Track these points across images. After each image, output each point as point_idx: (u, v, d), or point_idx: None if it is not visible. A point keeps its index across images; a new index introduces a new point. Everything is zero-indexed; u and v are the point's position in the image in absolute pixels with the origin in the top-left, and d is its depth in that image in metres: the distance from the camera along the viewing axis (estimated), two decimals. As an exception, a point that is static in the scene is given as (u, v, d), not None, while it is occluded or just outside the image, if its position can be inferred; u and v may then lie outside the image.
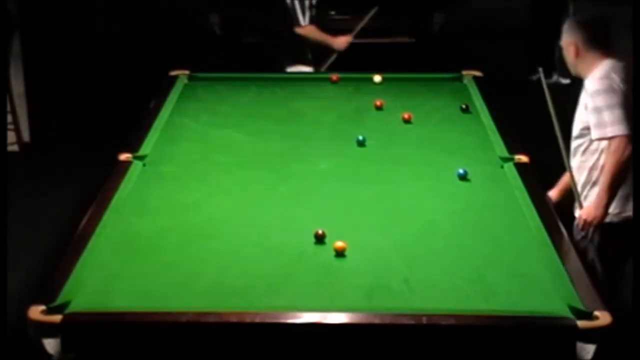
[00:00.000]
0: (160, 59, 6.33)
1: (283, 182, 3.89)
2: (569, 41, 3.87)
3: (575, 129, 3.91)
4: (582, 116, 3.84)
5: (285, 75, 5.38)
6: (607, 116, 3.68)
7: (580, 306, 2.83)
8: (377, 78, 5.24)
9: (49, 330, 2.75)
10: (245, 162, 4.12)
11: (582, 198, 3.86)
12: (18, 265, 4.23)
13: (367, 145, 4.29)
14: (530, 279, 3.06)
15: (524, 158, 4.09)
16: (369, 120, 4.67)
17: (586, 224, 3.81)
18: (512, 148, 4.21)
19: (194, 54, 6.83)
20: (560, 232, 3.39)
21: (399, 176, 3.96)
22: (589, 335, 2.73)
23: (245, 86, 5.20)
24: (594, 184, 3.85)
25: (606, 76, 3.76)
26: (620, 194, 3.78)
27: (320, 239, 3.27)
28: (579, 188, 3.87)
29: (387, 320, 2.79)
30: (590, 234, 3.83)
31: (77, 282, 2.98)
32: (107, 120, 6.77)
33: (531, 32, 8.12)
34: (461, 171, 3.89)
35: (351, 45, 5.91)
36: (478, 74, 5.20)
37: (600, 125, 3.70)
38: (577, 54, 3.84)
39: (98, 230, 3.35)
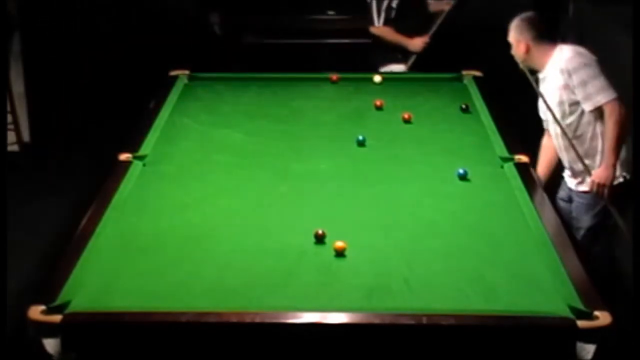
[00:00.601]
0: (160, 59, 6.31)
1: (283, 182, 3.89)
2: (518, 39, 4.15)
3: (559, 111, 4.12)
4: (563, 97, 4.08)
5: (285, 75, 5.38)
6: (593, 86, 3.97)
7: (580, 306, 2.84)
8: (377, 78, 5.24)
9: (49, 330, 2.76)
10: (245, 162, 4.12)
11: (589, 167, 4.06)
12: (18, 265, 4.23)
13: (367, 146, 4.29)
14: (530, 279, 3.06)
15: (524, 158, 4.10)
16: (369, 120, 4.67)
17: (600, 186, 3.98)
18: (512, 148, 4.21)
19: (194, 54, 6.81)
20: (561, 232, 3.39)
21: (399, 176, 3.97)
22: (589, 335, 2.73)
23: (246, 86, 5.20)
24: (598, 151, 4.07)
25: (577, 53, 4.07)
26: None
27: (320, 239, 3.28)
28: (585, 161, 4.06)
29: (387, 321, 2.79)
30: (605, 194, 4.00)
31: (77, 282, 2.98)
32: (107, 120, 6.76)
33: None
34: (461, 171, 3.89)
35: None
36: (478, 74, 5.20)
37: (589, 96, 3.98)
38: (527, 50, 4.13)
39: (98, 230, 3.35)
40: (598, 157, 4.10)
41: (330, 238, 3.26)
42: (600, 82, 3.98)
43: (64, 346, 2.76)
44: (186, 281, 3.03)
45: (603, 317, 2.77)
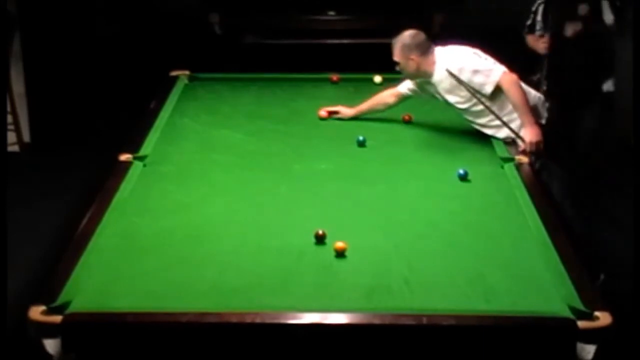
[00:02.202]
0: (160, 59, 6.32)
1: (283, 182, 3.89)
2: (407, 58, 4.29)
3: (463, 105, 4.34)
4: (460, 92, 4.29)
5: (286, 76, 5.39)
6: (483, 72, 4.23)
7: (581, 306, 2.83)
8: (378, 78, 5.24)
9: (49, 330, 2.75)
10: (245, 163, 4.12)
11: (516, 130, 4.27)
12: (18, 265, 4.23)
13: (368, 146, 4.29)
14: (530, 279, 3.06)
15: (524, 158, 4.10)
16: (369, 120, 4.67)
17: (536, 144, 4.18)
18: (513, 148, 4.22)
19: (194, 54, 6.81)
20: (561, 232, 3.39)
21: (400, 176, 3.97)
22: (589, 336, 2.73)
23: (246, 86, 5.20)
24: (510, 112, 4.29)
25: (456, 51, 4.33)
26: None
27: (320, 240, 3.28)
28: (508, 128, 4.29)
29: (387, 321, 2.79)
30: (541, 148, 4.21)
31: (78, 282, 2.98)
32: (107, 120, 6.76)
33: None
34: (461, 171, 3.89)
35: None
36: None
37: (484, 81, 4.23)
38: (418, 66, 4.31)
39: (98, 230, 3.35)
40: (504, 129, 4.29)
41: (330, 238, 3.26)
42: (486, 64, 4.27)
43: (64, 347, 2.76)
44: (186, 281, 3.03)
45: (603, 318, 2.77)
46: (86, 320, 2.81)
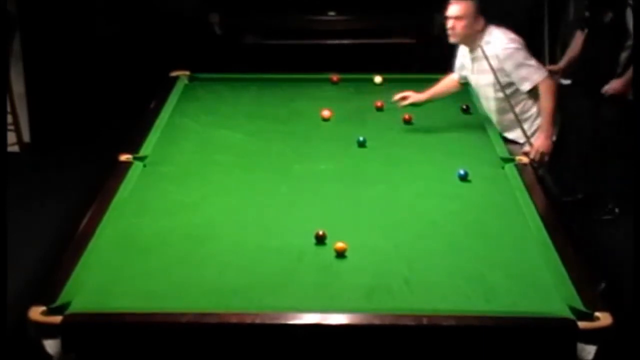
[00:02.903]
0: (160, 59, 6.32)
1: (283, 182, 3.89)
2: (461, 16, 4.24)
3: (491, 90, 4.37)
4: (495, 79, 4.26)
5: (286, 76, 5.39)
6: (528, 68, 4.24)
7: (581, 307, 2.83)
8: (378, 79, 5.24)
9: (49, 331, 2.75)
10: (245, 163, 4.12)
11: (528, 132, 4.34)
12: (18, 265, 4.22)
13: (368, 146, 4.29)
14: (530, 280, 3.06)
15: (524, 159, 4.10)
16: (370, 120, 4.67)
17: (541, 154, 4.24)
18: (513, 149, 4.22)
19: (194, 55, 6.81)
20: (561, 233, 3.38)
21: (400, 177, 3.97)
22: (589, 336, 2.73)
23: (246, 87, 5.20)
24: (534, 118, 4.37)
25: (510, 39, 4.29)
26: None
27: (320, 240, 3.27)
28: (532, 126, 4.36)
29: (387, 321, 2.79)
30: (545, 160, 4.29)
31: (78, 282, 2.98)
32: (107, 120, 6.76)
33: (531, 32, 8.13)
34: (462, 172, 3.89)
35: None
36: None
37: (525, 78, 4.24)
38: (465, 28, 4.26)
39: (98, 230, 3.35)
40: (537, 121, 4.35)
41: (330, 239, 3.26)
42: (533, 63, 4.27)
43: (64, 347, 2.75)
44: (186, 282, 3.03)
45: (604, 318, 2.77)
46: (86, 320, 2.81)
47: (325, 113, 4.67)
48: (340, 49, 7.47)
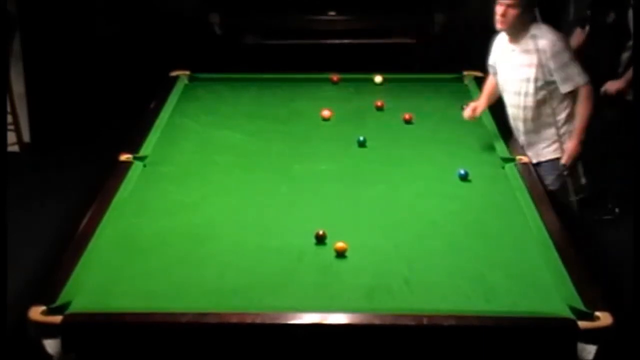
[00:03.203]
0: (160, 59, 6.31)
1: (284, 182, 3.89)
2: (514, 5, 4.08)
3: (523, 87, 4.20)
4: (532, 75, 4.14)
5: (286, 76, 5.38)
6: (573, 69, 4.13)
7: (581, 306, 2.83)
8: (378, 78, 5.24)
9: (50, 330, 2.75)
10: (245, 163, 4.12)
11: (561, 136, 4.26)
12: (18, 265, 4.23)
13: (368, 146, 4.29)
14: (530, 279, 3.06)
15: (525, 159, 4.10)
16: (370, 120, 4.67)
17: (572, 159, 4.23)
18: (513, 149, 4.22)
19: (194, 55, 6.81)
20: (561, 233, 3.38)
21: (400, 177, 3.96)
22: (590, 336, 2.73)
23: (246, 87, 5.20)
24: (562, 123, 4.25)
25: (558, 37, 4.18)
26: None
27: (320, 240, 3.27)
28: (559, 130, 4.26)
29: (387, 321, 2.79)
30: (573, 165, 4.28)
31: (78, 282, 2.98)
32: (107, 120, 6.76)
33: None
34: (462, 172, 3.89)
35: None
36: (479, 74, 5.18)
37: (568, 78, 4.13)
38: (520, 15, 4.10)
39: (98, 230, 3.35)
40: (547, 131, 4.25)
41: (330, 239, 3.26)
42: (577, 65, 4.16)
43: (64, 347, 2.76)
44: (186, 282, 3.03)
45: (604, 318, 2.77)
46: (86, 320, 2.81)
47: (325, 113, 4.67)
48: (340, 49, 7.47)
